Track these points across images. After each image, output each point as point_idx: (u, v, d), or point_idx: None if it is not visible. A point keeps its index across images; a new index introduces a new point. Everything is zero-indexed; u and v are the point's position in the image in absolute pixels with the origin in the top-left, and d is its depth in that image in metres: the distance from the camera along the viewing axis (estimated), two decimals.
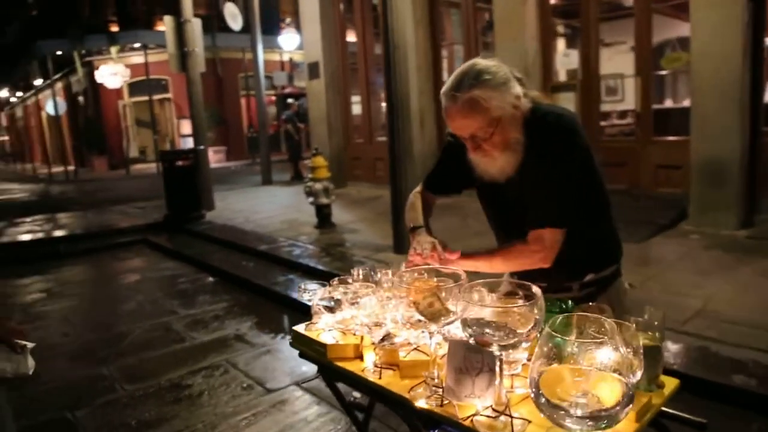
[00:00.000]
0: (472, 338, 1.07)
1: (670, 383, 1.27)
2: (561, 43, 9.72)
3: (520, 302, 1.10)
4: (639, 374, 1.14)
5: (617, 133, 8.22)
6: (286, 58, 21.88)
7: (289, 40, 15.24)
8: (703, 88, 5.44)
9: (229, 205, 9.92)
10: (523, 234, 1.66)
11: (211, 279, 6.07)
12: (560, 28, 9.54)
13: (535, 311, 1.06)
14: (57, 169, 22.28)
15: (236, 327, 4.47)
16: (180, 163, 8.78)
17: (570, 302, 1.31)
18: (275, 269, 5.83)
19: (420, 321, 1.24)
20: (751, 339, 3.12)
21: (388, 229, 5.77)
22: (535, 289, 1.10)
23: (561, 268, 1.74)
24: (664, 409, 1.25)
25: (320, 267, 5.45)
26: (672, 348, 3.13)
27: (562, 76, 8.02)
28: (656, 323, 1.24)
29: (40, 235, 8.72)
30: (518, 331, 1.06)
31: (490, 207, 1.89)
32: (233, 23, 14.71)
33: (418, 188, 2.07)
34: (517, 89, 1.61)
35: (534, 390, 1.00)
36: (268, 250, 6.43)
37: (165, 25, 9.04)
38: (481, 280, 1.25)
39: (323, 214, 7.36)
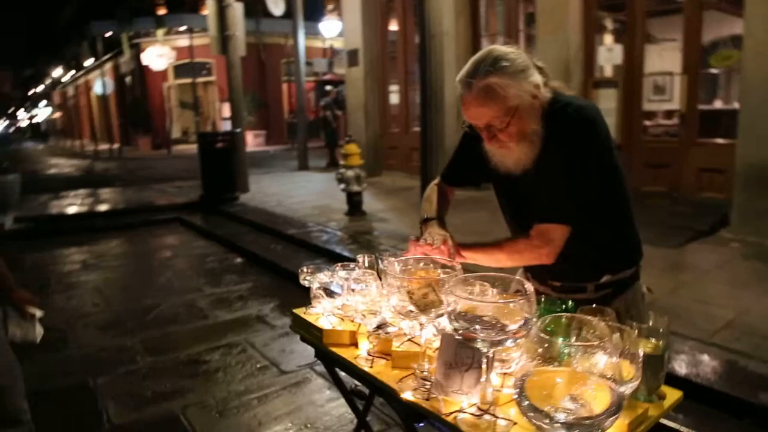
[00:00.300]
0: (459, 332, 1.03)
1: (673, 395, 1.20)
2: (609, 38, 9.42)
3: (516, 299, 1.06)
4: (635, 383, 1.08)
5: (662, 134, 7.93)
6: (328, 44, 21.94)
7: (330, 27, 15.22)
8: (754, 89, 5.17)
9: (263, 189, 10.03)
10: (524, 225, 1.62)
11: (239, 260, 6.16)
12: (607, 23, 9.24)
13: (525, 309, 1.01)
14: (103, 146, 22.98)
15: (258, 308, 4.52)
16: (217, 145, 8.91)
17: (571, 303, 1.25)
18: (302, 254, 5.87)
19: (411, 311, 1.20)
20: None
21: (418, 219, 5.73)
22: (528, 285, 1.05)
23: (574, 268, 1.68)
24: (663, 422, 1.19)
25: (346, 254, 5.45)
26: (697, 360, 3.01)
27: (608, 72, 7.76)
28: (661, 331, 1.18)
29: (81, 208, 9.02)
30: (507, 328, 1.01)
31: (506, 199, 1.82)
32: (275, 8, 14.78)
33: (437, 180, 2.02)
34: (537, 78, 1.53)
35: (518, 391, 0.96)
36: (296, 235, 6.47)
37: (207, 8, 9.17)
38: (478, 274, 1.21)
39: (354, 202, 7.36)
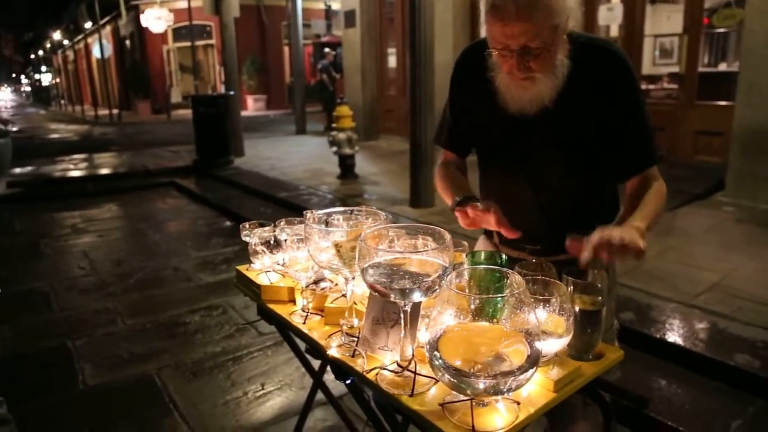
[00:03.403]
0: (374, 286, 0.97)
1: (612, 354, 1.14)
2: None
3: (428, 248, 0.99)
4: (566, 339, 1.03)
5: (665, 96, 7.74)
6: (327, 5, 21.44)
7: None
8: (755, 50, 5.00)
9: (258, 153, 9.94)
10: (528, 181, 1.50)
11: (228, 223, 6.12)
12: None
13: (443, 258, 0.95)
14: (103, 111, 22.81)
15: None
16: (210, 108, 8.77)
17: (504, 257, 1.18)
18: (291, 216, 5.81)
19: (334, 266, 1.14)
20: (765, 318, 2.91)
21: (409, 182, 5.66)
22: (445, 234, 0.98)
23: (557, 229, 1.58)
24: (604, 380, 1.13)
25: None
26: (676, 322, 2.97)
27: (611, 32, 7.53)
28: (599, 286, 1.12)
29: (75, 173, 8.98)
30: (424, 279, 0.95)
31: (502, 155, 1.58)
32: None
33: (440, 160, 1.77)
34: (572, 2, 1.33)
35: (428, 346, 0.90)
36: (287, 198, 6.43)
37: None
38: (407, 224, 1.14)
39: (346, 165, 7.27)
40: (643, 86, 7.22)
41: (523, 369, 0.86)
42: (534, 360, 0.87)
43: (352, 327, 1.19)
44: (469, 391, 0.87)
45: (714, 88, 6.45)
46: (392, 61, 10.81)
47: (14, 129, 11.99)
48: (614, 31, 7.42)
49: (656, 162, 1.46)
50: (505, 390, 0.86)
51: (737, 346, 2.68)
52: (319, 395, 2.05)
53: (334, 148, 7.14)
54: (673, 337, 2.83)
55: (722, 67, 8.92)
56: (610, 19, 6.83)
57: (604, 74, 1.40)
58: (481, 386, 0.86)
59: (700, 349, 2.72)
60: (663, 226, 4.55)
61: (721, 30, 7.42)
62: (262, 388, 2.81)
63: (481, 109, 1.51)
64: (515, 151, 1.51)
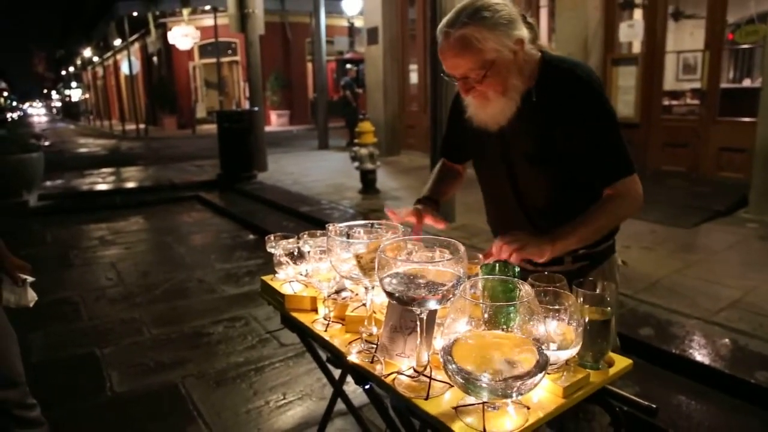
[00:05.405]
0: (392, 295, 1.03)
1: (621, 363, 1.18)
2: (634, 14, 9.13)
3: (444, 259, 1.05)
4: (575, 348, 1.07)
5: (687, 113, 7.70)
6: (350, 23, 21.75)
7: (351, 4, 15.11)
8: None
9: (281, 167, 10.10)
10: (513, 191, 1.64)
11: (251, 236, 6.24)
12: None
13: (457, 269, 1.00)
14: (130, 126, 23.36)
15: None
16: (234, 123, 8.96)
17: (516, 268, 1.23)
18: (313, 230, 5.91)
19: (355, 276, 1.21)
20: None
21: None
22: (459, 246, 1.04)
23: None
24: (612, 389, 1.17)
25: None
26: (695, 338, 2.96)
27: (633, 49, 7.54)
28: (608, 298, 1.16)
29: (103, 187, 9.23)
30: (439, 288, 1.01)
31: (485, 165, 1.76)
32: None
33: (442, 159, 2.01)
34: (522, 32, 1.47)
35: (442, 352, 0.96)
36: (308, 212, 6.53)
37: None
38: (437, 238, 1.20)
39: (368, 180, 7.36)
40: (666, 102, 7.19)
41: (531, 374, 0.90)
42: (542, 366, 0.91)
43: (371, 334, 1.25)
44: (480, 395, 0.93)
45: (737, 104, 6.40)
46: (414, 78, 10.93)
47: (46, 143, 12.38)
48: (636, 48, 7.43)
49: (620, 177, 1.51)
50: (514, 394, 0.91)
51: (758, 364, 2.66)
52: (339, 405, 2.10)
53: (356, 163, 7.24)
54: (693, 353, 2.82)
55: (747, 82, 8.85)
56: (631, 35, 6.84)
57: (564, 94, 1.49)
58: (492, 390, 0.91)
59: (720, 366, 2.71)
60: (685, 242, 4.53)
61: (746, 46, 7.38)
62: (284, 398, 2.87)
63: (464, 126, 1.66)
64: (495, 163, 1.68)
